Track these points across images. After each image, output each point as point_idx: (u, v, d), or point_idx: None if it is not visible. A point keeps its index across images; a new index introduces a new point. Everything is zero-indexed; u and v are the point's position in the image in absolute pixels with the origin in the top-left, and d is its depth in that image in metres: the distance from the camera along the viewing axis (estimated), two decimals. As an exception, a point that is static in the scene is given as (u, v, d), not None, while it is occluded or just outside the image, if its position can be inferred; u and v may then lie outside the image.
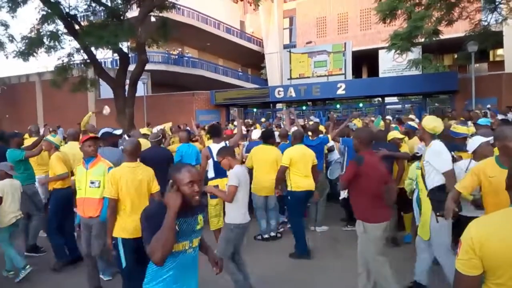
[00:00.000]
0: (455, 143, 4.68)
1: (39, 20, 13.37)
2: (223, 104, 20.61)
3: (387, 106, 18.93)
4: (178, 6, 18.97)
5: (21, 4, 12.98)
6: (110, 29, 12.64)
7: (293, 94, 18.88)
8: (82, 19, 14.80)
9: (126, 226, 3.67)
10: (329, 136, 7.11)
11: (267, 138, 6.23)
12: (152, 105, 19.65)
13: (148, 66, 15.27)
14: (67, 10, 13.91)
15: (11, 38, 20.46)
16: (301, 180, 5.47)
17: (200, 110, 20.27)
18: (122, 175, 3.75)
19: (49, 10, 13.09)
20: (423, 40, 13.51)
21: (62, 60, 15.01)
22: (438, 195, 3.72)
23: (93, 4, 15.03)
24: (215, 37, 30.13)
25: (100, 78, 15.28)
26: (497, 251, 1.62)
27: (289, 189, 5.57)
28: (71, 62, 15.31)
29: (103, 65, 17.08)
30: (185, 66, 28.65)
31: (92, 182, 4.32)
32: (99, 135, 5.53)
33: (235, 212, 4.05)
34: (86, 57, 14.67)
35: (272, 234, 6.25)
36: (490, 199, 3.22)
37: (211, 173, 5.58)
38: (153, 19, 16.00)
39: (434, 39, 13.44)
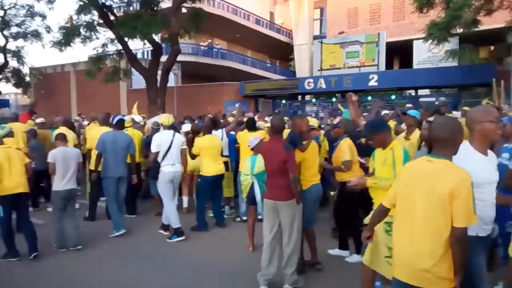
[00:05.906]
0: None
1: (76, 10, 13.64)
2: (251, 95, 20.60)
3: (420, 99, 18.45)
4: (210, -3, 19.04)
5: (59, -5, 13.30)
6: (144, 20, 12.83)
7: (323, 86, 18.66)
8: (117, 9, 15.01)
9: (3, 187, 5.14)
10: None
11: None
12: (182, 96, 19.84)
13: (178, 57, 15.41)
14: (103, 0, 14.16)
15: (48, 29, 21.05)
16: (210, 166, 6.41)
17: (228, 101, 20.32)
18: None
19: (86, 1, 13.36)
20: (461, 30, 13.04)
21: (97, 50, 15.31)
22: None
23: (128, -5, 15.24)
24: (244, 28, 30.07)
25: (133, 68, 15.51)
26: None
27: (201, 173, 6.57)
28: (105, 53, 15.62)
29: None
30: (214, 57, 28.77)
31: None
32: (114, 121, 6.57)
33: (55, 182, 5.61)
34: (119, 47, 14.92)
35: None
36: None
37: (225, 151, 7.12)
38: (184, 10, 16.09)
39: (472, 29, 12.96)
